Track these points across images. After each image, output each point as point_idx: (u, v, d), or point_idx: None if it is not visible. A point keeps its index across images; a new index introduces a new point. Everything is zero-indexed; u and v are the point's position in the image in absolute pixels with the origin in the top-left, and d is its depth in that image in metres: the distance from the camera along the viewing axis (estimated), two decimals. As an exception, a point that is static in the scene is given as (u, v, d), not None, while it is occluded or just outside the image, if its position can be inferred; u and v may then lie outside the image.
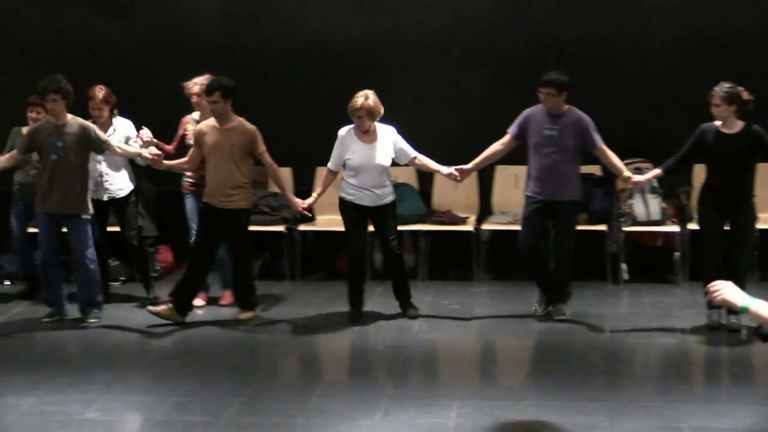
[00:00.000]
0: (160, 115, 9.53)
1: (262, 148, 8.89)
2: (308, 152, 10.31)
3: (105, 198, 9.52)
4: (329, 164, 9.02)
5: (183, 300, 9.00)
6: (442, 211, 10.77)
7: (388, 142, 8.92)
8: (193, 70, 9.34)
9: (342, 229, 9.10)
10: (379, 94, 8.86)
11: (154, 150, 8.89)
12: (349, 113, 8.82)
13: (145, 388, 7.44)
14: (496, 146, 9.04)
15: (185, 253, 9.98)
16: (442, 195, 10.88)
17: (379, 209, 8.97)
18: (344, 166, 8.94)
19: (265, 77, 10.86)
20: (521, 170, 9.39)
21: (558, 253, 9.18)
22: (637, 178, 8.95)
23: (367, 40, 10.83)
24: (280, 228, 10.55)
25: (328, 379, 7.92)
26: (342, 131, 8.94)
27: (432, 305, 9.56)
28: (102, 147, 8.98)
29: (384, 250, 9.23)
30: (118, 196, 9.57)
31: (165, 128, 9.45)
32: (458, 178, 9.05)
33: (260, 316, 9.24)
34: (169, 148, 9.38)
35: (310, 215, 9.39)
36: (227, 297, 9.66)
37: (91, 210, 9.01)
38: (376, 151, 8.87)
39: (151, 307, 9.06)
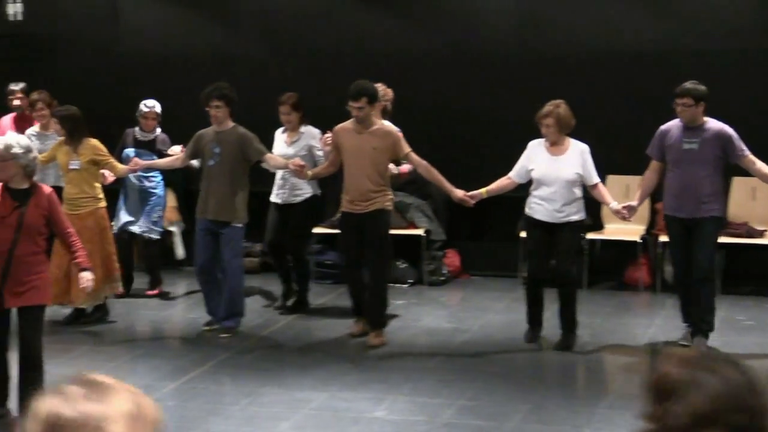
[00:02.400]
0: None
1: (406, 149, 8.65)
2: (618, 158, 10.13)
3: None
4: (511, 172, 8.61)
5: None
6: (738, 223, 10.35)
7: (577, 158, 8.42)
8: (488, 78, 9.35)
9: (633, 238, 8.87)
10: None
11: (298, 161, 8.85)
12: (537, 121, 8.45)
13: (432, 389, 7.51)
14: (648, 175, 8.49)
15: (471, 257, 10.07)
16: (739, 207, 10.45)
17: (561, 226, 8.46)
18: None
19: (562, 82, 10.73)
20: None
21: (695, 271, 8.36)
22: None
23: (661, 47, 10.53)
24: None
25: (615, 390, 7.76)
26: (532, 142, 8.56)
27: (725, 321, 9.18)
28: (259, 157, 8.96)
29: (555, 271, 8.58)
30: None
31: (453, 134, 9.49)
32: (627, 217, 8.37)
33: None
34: None
35: (472, 203, 8.65)
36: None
37: (246, 219, 9.01)
38: (561, 165, 8.41)
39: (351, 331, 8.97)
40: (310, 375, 7.83)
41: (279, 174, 9.66)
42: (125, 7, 11.89)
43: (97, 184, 9.26)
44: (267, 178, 9.77)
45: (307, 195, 9.70)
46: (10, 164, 6.81)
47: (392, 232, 9.10)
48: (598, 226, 10.43)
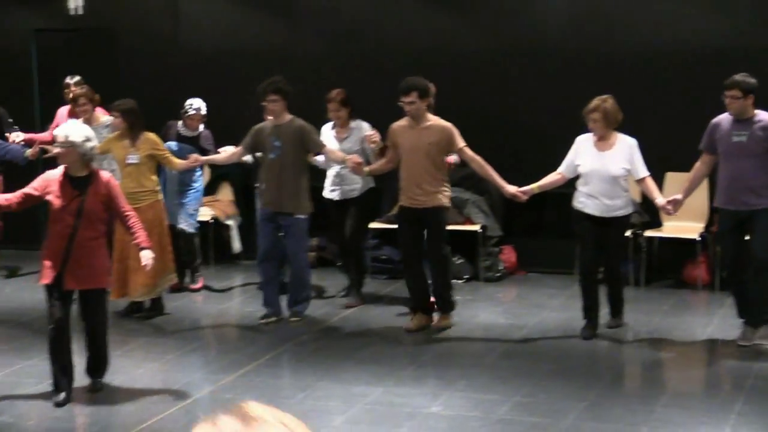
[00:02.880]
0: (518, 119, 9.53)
1: (460, 143, 8.69)
2: (677, 155, 10.04)
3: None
4: (561, 167, 8.61)
5: (425, 303, 9.05)
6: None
7: (624, 153, 8.41)
8: (543, 74, 9.29)
9: (692, 236, 8.77)
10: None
11: (356, 158, 8.96)
12: (584, 116, 8.43)
13: (488, 386, 7.49)
14: (697, 166, 8.42)
15: (527, 254, 10.02)
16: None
17: (609, 221, 8.46)
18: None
19: (620, 78, 10.64)
20: None
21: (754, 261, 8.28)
22: None
23: (722, 43, 10.39)
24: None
25: (672, 389, 7.70)
26: (580, 137, 8.55)
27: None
28: (317, 149, 9.12)
29: (605, 266, 8.71)
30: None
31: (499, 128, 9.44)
32: (671, 212, 8.41)
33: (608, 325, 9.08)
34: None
35: (524, 198, 8.65)
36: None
37: (310, 210, 9.11)
38: (608, 160, 8.40)
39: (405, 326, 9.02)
40: (366, 370, 7.84)
41: (333, 170, 9.68)
42: (185, 1, 11.97)
43: (154, 177, 9.32)
44: (316, 174, 9.75)
45: (364, 189, 9.72)
46: (70, 152, 7.08)
47: (449, 227, 9.13)
48: (657, 224, 10.33)
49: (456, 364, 8.05)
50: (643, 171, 8.44)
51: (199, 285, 10.49)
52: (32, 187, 7.20)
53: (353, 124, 9.68)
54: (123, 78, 11.87)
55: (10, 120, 10.48)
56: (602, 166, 8.39)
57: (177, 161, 9.36)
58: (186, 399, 7.26)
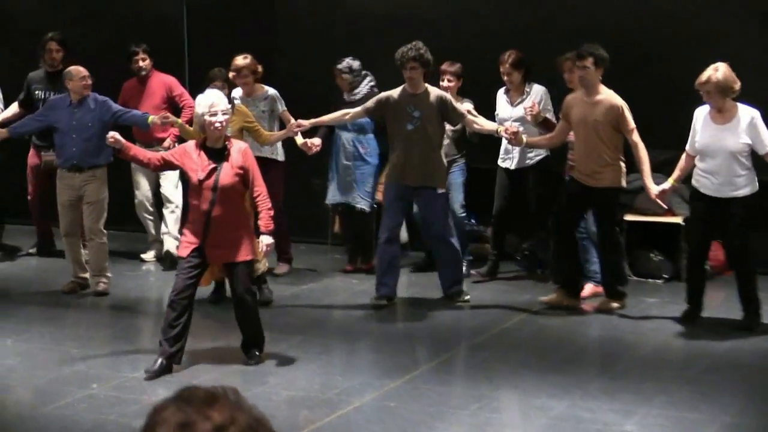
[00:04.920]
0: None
1: (630, 125, 8.17)
2: None
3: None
4: (687, 146, 8.02)
5: (572, 282, 8.67)
6: None
7: (744, 126, 7.76)
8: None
9: None
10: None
11: (512, 128, 8.51)
12: (697, 89, 7.79)
13: (690, 403, 6.53)
14: None
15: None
16: None
17: (727, 202, 7.80)
18: None
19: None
20: None
21: None
22: None
23: None
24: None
25: None
26: (698, 109, 7.95)
27: None
28: (458, 119, 8.60)
29: (726, 251, 8.37)
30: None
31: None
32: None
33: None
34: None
35: (665, 207, 8.46)
36: (589, 289, 8.89)
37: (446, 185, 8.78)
38: (725, 134, 7.78)
39: (542, 298, 8.72)
40: (548, 380, 6.94)
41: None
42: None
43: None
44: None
45: (540, 157, 9.32)
46: (228, 120, 7.00)
47: (647, 219, 8.70)
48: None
49: (652, 377, 7.06)
50: (767, 144, 7.74)
51: (368, 266, 9.85)
52: (171, 154, 7.13)
53: (528, 87, 9.24)
54: (280, 42, 11.11)
55: None
56: (719, 141, 7.81)
57: (267, 134, 8.75)
58: (346, 406, 6.47)
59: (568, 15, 10.09)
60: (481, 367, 7.31)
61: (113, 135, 7.15)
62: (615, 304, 8.55)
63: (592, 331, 8.28)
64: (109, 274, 9.11)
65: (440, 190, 8.59)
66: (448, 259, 8.75)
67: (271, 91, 9.31)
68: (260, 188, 6.99)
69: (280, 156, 9.43)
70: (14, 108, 10.19)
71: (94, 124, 8.87)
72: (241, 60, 9.21)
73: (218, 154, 6.91)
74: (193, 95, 9.04)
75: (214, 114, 6.85)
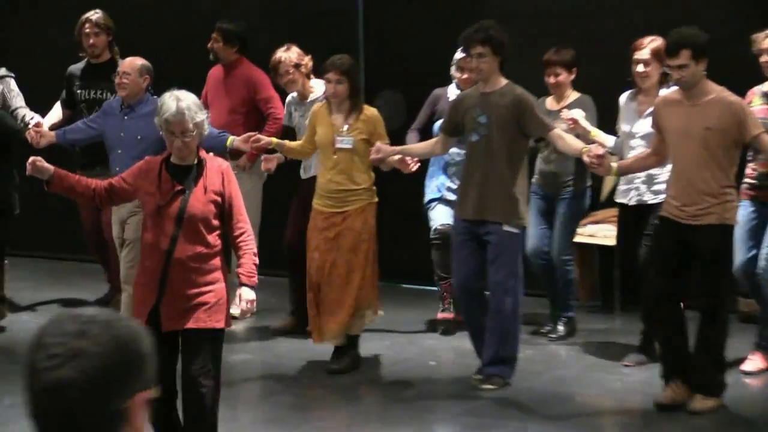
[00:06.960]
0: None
1: (755, 130, 6.01)
2: None
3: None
4: None
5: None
6: None
7: None
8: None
9: None
10: None
11: (599, 149, 6.28)
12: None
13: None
14: None
15: None
16: None
17: None
18: None
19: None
20: None
21: None
22: None
23: None
24: None
25: None
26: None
27: None
28: (538, 130, 6.56)
29: None
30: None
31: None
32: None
33: None
34: None
35: None
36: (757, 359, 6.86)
37: (528, 221, 6.77)
38: None
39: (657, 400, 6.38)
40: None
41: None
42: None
43: (371, 172, 6.97)
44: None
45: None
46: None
47: None
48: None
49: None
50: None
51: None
52: (122, 178, 5.26)
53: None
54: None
55: None
56: None
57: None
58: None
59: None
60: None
61: (34, 161, 5.22)
62: (710, 403, 6.21)
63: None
64: None
65: (507, 228, 6.53)
66: (494, 326, 6.57)
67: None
68: (244, 224, 5.13)
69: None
70: (58, 111, 8.09)
71: (145, 138, 6.78)
72: (281, 53, 7.59)
73: (187, 173, 5.08)
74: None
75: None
